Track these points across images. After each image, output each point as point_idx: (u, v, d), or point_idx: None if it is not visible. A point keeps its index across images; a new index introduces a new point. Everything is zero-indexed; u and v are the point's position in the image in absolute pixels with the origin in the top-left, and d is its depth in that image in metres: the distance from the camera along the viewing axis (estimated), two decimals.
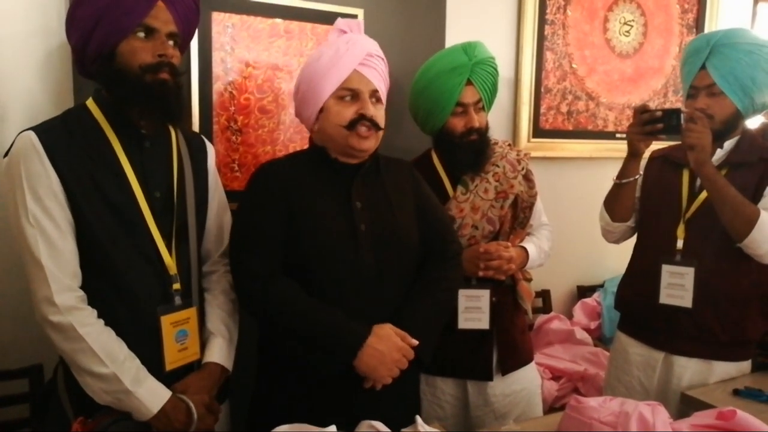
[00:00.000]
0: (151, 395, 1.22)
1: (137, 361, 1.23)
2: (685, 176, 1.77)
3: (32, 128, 1.23)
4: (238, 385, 1.49)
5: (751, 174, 1.68)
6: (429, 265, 1.49)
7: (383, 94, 1.43)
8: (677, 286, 1.70)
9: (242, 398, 1.53)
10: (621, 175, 1.77)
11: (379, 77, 1.41)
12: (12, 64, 1.71)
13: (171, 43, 1.29)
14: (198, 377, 1.33)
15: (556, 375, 2.47)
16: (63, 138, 1.23)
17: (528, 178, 1.79)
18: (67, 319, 1.17)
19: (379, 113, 1.40)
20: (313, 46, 2.00)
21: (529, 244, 1.78)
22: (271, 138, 1.98)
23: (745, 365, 1.75)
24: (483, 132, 1.72)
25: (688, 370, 1.72)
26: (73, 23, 1.27)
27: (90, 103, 1.31)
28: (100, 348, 1.19)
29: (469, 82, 1.67)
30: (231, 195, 1.87)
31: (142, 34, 1.24)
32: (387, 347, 1.30)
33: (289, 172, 1.42)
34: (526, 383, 1.79)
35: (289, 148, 2.00)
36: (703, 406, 1.51)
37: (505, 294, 1.76)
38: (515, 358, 1.77)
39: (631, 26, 2.78)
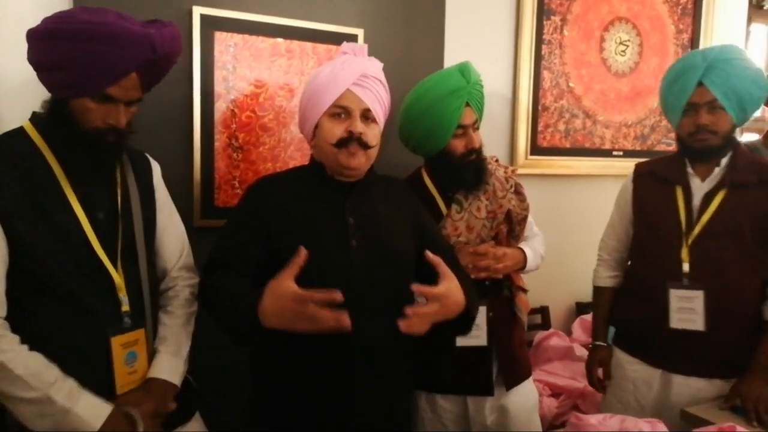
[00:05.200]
0: (91, 411, 1.18)
1: (71, 381, 1.19)
2: (679, 194, 1.76)
3: None
4: (213, 397, 1.48)
5: (755, 197, 1.67)
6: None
7: (378, 114, 1.44)
8: (687, 309, 1.68)
9: (217, 411, 1.52)
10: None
11: (373, 97, 1.41)
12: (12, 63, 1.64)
13: (128, 106, 1.27)
14: (140, 390, 1.31)
15: (555, 392, 2.46)
16: (1, 164, 1.19)
17: (518, 191, 1.82)
18: None
19: (371, 132, 1.41)
20: (313, 65, 2.03)
21: (526, 247, 1.81)
22: (272, 155, 2.00)
23: None
24: (481, 151, 1.76)
25: (690, 387, 1.72)
26: (36, 47, 1.23)
27: (28, 126, 1.28)
28: (25, 372, 1.14)
29: (466, 104, 1.69)
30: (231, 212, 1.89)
31: (97, 98, 1.22)
32: (281, 303, 1.20)
33: (283, 187, 1.45)
34: (525, 397, 1.80)
35: (290, 165, 2.01)
36: (703, 422, 1.51)
37: (502, 308, 1.77)
38: (515, 371, 1.78)
39: (627, 46, 2.82)
